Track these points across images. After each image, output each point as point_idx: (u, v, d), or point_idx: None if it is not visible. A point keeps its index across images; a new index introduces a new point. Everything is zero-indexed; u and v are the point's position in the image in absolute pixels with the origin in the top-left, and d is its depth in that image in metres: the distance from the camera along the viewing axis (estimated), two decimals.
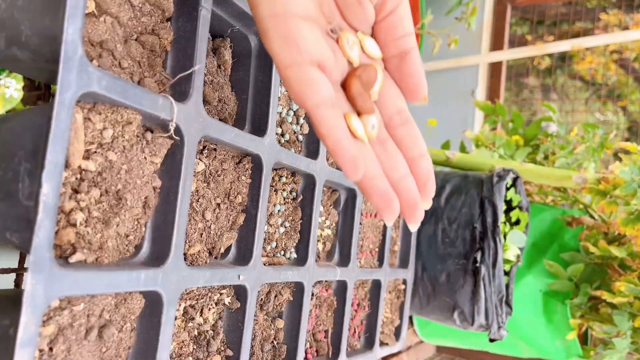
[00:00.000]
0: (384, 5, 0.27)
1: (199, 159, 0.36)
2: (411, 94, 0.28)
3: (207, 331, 0.37)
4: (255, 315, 0.42)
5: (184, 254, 0.34)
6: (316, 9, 0.25)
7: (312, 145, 0.47)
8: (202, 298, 0.37)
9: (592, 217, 0.77)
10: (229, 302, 0.39)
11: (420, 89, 0.28)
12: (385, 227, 0.61)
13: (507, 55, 1.83)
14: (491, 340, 0.67)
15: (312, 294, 0.50)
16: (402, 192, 0.26)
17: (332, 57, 0.25)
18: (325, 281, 0.51)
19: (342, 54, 0.27)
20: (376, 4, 0.27)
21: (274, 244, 0.44)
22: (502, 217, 0.66)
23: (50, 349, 0.26)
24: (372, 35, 0.28)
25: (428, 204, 0.28)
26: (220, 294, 0.38)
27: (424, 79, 0.28)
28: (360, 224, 0.57)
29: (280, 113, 0.44)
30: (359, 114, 0.26)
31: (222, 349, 0.38)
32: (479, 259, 0.64)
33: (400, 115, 0.28)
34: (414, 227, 0.27)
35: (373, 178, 0.26)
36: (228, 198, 0.39)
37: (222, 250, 0.39)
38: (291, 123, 0.45)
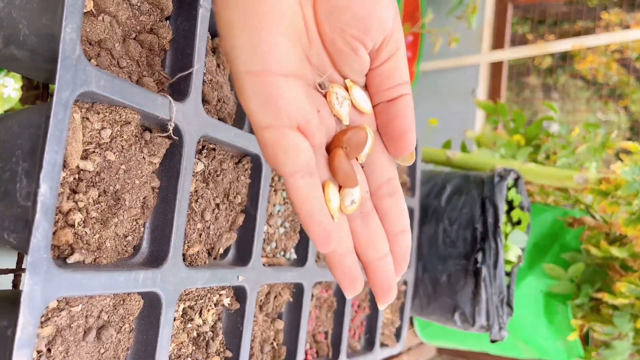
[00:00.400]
0: (380, 52, 0.24)
1: (198, 158, 0.36)
2: (396, 143, 0.25)
3: (206, 332, 0.37)
4: (254, 316, 0.42)
5: (183, 255, 0.34)
6: (300, 63, 0.23)
7: None
8: (201, 299, 0.36)
9: (593, 217, 0.77)
10: (228, 303, 0.39)
11: (406, 135, 0.25)
12: None
13: (508, 54, 1.83)
14: (492, 342, 0.67)
15: (312, 295, 0.49)
16: (378, 273, 0.25)
17: (315, 117, 0.23)
18: (325, 282, 0.51)
19: (329, 110, 0.25)
20: (371, 51, 0.24)
21: (273, 245, 0.44)
22: (503, 218, 0.65)
23: (49, 350, 0.26)
24: (366, 82, 0.26)
25: (398, 278, 0.26)
26: (220, 295, 0.38)
27: (412, 128, 0.25)
28: None
29: None
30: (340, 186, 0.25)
31: (222, 350, 0.38)
32: (479, 259, 0.64)
33: (389, 185, 0.26)
34: (382, 307, 0.26)
35: (341, 255, 0.24)
36: (227, 198, 0.39)
37: (222, 250, 0.39)
38: None
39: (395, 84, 0.25)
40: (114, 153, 0.29)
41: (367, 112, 0.26)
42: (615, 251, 0.65)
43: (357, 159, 0.26)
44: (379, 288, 0.25)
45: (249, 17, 0.21)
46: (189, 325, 0.36)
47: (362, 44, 0.24)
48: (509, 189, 0.69)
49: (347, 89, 0.25)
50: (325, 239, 0.23)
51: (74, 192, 0.27)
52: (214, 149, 0.37)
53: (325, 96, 0.25)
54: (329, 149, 0.25)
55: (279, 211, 0.44)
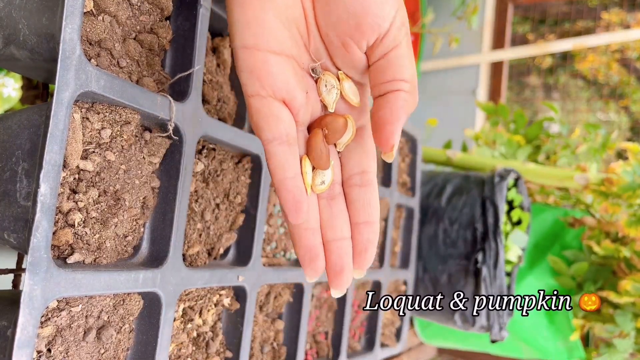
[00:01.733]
0: (374, 50, 0.25)
1: (198, 158, 0.36)
2: (377, 134, 0.25)
3: (206, 332, 0.37)
4: (254, 317, 0.42)
5: (183, 255, 0.34)
6: (294, 47, 0.25)
7: None
8: (201, 299, 0.36)
9: (593, 217, 0.77)
10: (228, 303, 0.39)
11: (387, 127, 0.25)
12: (386, 227, 0.60)
13: (508, 54, 1.83)
14: (492, 342, 0.66)
15: (312, 295, 0.49)
16: (331, 254, 0.25)
17: (302, 95, 0.25)
18: (326, 282, 0.51)
19: (317, 95, 0.26)
20: (367, 49, 0.25)
21: (273, 245, 0.44)
22: (503, 218, 0.65)
23: (49, 350, 0.26)
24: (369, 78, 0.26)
25: (360, 274, 0.26)
26: (220, 295, 0.38)
27: (395, 121, 0.25)
28: None
29: None
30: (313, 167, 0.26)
31: (222, 350, 0.38)
32: (480, 259, 0.64)
33: (361, 177, 0.26)
34: (335, 294, 0.26)
35: (306, 230, 0.25)
36: (227, 198, 0.39)
37: (222, 250, 0.39)
38: None
39: (389, 80, 0.25)
40: (114, 153, 0.29)
41: (355, 105, 0.27)
42: (622, 249, 0.65)
43: (335, 146, 0.27)
44: (330, 270, 0.25)
45: (246, 0, 0.23)
46: (189, 325, 0.36)
47: (353, 40, 0.25)
48: (509, 189, 0.69)
49: (339, 79, 0.26)
50: (294, 206, 0.23)
51: (74, 192, 0.27)
52: (214, 149, 0.37)
53: (316, 82, 0.26)
54: (309, 129, 0.26)
55: (279, 211, 0.44)
